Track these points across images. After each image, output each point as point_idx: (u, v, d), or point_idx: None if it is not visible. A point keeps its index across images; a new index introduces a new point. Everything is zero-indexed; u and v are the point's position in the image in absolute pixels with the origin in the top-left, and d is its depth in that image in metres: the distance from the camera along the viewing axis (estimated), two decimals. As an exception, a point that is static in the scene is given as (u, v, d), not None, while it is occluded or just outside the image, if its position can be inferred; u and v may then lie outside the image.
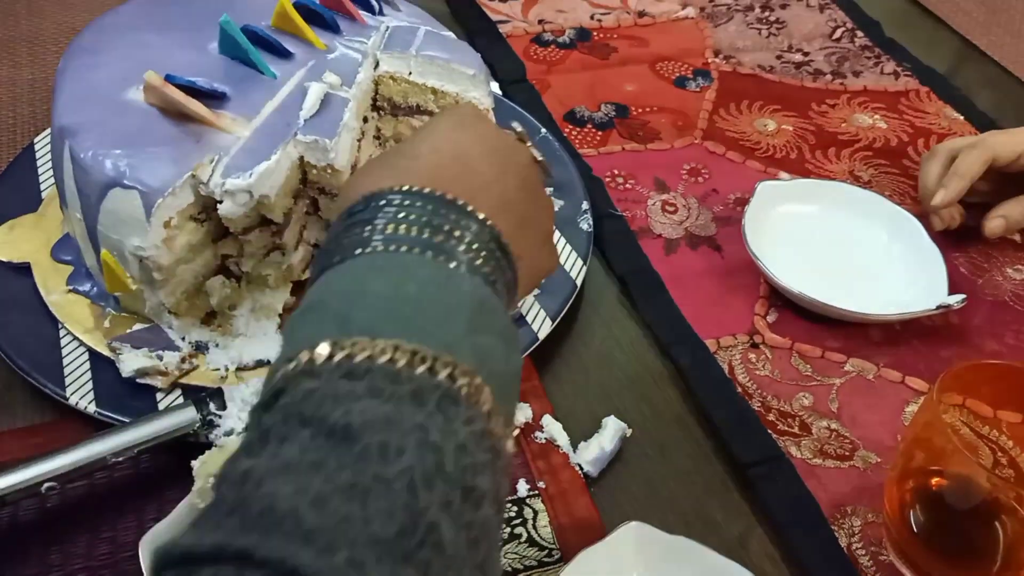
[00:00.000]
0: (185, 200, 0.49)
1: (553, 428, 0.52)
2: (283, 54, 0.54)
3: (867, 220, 0.65)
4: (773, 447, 0.52)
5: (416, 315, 0.29)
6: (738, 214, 0.67)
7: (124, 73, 0.52)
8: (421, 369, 0.27)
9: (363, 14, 0.59)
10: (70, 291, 0.55)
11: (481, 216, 0.32)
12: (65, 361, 0.52)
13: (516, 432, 0.52)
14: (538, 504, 0.49)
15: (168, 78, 0.50)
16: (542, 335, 0.55)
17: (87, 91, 0.52)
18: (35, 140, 0.66)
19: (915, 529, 0.47)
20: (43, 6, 0.84)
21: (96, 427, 0.48)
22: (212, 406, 0.48)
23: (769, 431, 0.53)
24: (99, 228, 0.50)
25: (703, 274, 0.63)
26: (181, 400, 0.50)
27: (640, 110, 0.77)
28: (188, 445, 0.47)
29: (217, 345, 0.53)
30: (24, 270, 0.57)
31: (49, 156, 0.64)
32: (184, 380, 0.51)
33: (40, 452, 0.45)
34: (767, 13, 0.89)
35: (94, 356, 0.53)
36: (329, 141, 0.50)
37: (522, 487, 0.50)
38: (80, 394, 0.50)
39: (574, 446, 0.52)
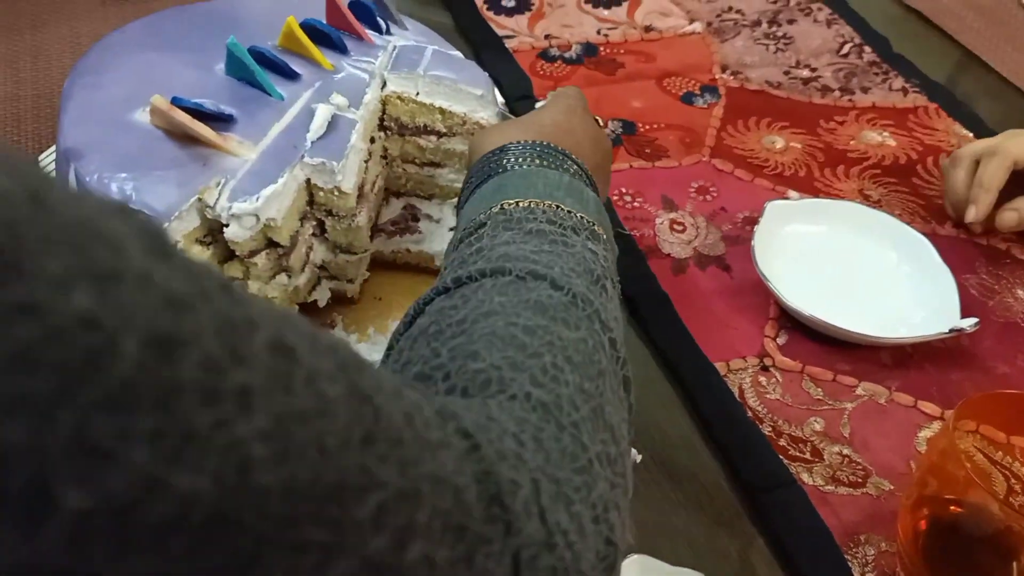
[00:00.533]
0: (191, 224, 0.48)
1: (562, 453, 0.52)
2: (290, 75, 0.54)
3: (877, 240, 0.64)
4: (785, 473, 0.51)
5: (561, 194, 0.42)
6: (747, 233, 0.67)
7: (129, 94, 0.52)
8: (575, 219, 0.41)
9: (370, 34, 0.59)
10: None
11: (578, 159, 0.46)
12: None
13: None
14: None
15: (174, 100, 0.49)
16: None
17: (92, 112, 0.51)
18: (40, 157, 0.66)
19: (929, 558, 0.46)
20: (46, 19, 0.84)
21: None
22: None
23: (780, 456, 0.52)
24: None
25: (712, 295, 0.62)
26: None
27: (647, 127, 0.77)
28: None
29: None
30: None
31: (54, 175, 0.63)
32: None
33: None
34: (774, 28, 0.89)
35: None
36: (336, 164, 0.50)
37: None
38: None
39: (583, 472, 0.51)
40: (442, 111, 0.57)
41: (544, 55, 0.84)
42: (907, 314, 0.60)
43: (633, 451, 0.51)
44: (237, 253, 0.50)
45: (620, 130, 0.76)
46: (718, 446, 0.53)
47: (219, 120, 0.50)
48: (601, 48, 0.86)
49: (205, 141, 0.49)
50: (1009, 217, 0.64)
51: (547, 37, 0.87)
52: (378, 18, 0.60)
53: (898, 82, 0.83)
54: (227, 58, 0.53)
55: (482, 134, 0.50)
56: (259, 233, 0.49)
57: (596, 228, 0.42)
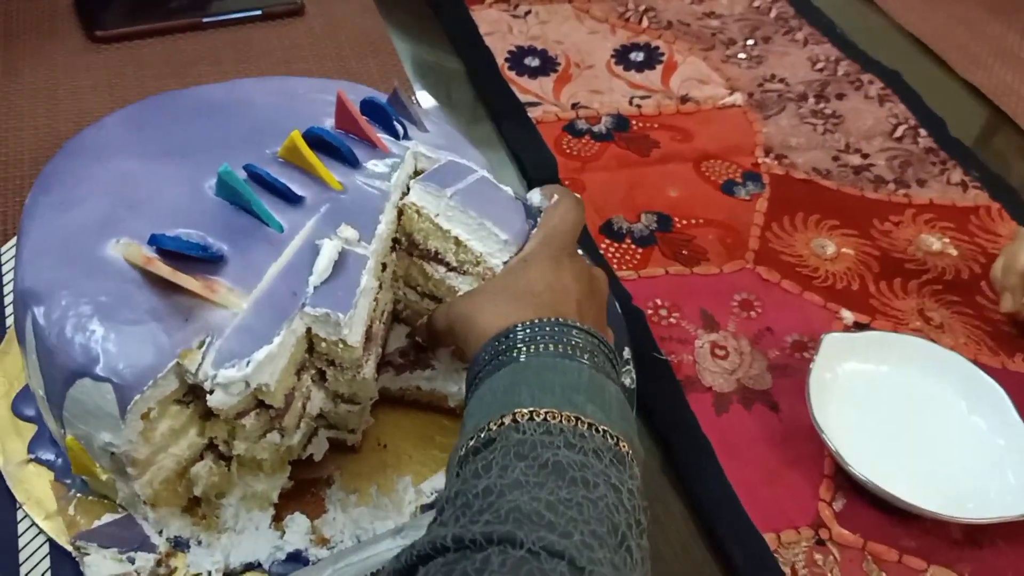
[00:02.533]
0: (168, 388, 0.41)
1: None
2: (291, 199, 0.46)
3: (944, 384, 0.57)
4: None
5: (581, 399, 0.38)
6: (796, 362, 0.60)
7: (103, 219, 0.44)
8: (597, 436, 0.36)
9: (385, 139, 0.51)
10: (31, 460, 0.48)
11: (586, 327, 0.42)
12: (22, 556, 0.45)
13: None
14: None
15: (153, 240, 0.42)
16: None
17: (57, 242, 0.44)
18: (2, 249, 0.58)
19: None
20: (20, 67, 0.76)
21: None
22: None
23: (840, 662, 0.46)
24: (65, 414, 0.42)
25: (759, 442, 0.55)
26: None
27: (684, 222, 0.69)
28: None
29: (200, 542, 0.45)
30: (-23, 424, 0.49)
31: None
32: None
33: None
34: (821, 104, 0.82)
35: (55, 549, 0.45)
36: (343, 316, 0.43)
37: None
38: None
39: None
40: (458, 242, 0.49)
41: (571, 128, 0.77)
42: (981, 482, 0.53)
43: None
44: (221, 417, 0.43)
45: (655, 226, 0.69)
46: (770, 648, 0.46)
47: (206, 261, 0.43)
48: (633, 121, 0.78)
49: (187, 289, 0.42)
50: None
51: (574, 106, 0.79)
52: (394, 121, 0.52)
53: (956, 174, 0.76)
54: (218, 183, 0.45)
55: (470, 304, 0.45)
56: (248, 396, 0.42)
57: (621, 446, 0.37)
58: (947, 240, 0.70)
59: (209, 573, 0.44)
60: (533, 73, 0.82)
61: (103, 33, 0.78)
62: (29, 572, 0.44)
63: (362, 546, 0.45)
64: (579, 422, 0.36)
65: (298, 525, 0.46)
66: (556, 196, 0.50)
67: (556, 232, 0.48)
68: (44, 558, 0.45)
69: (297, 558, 0.45)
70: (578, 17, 0.90)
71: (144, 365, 0.40)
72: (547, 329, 0.41)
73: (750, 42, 0.88)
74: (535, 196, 0.51)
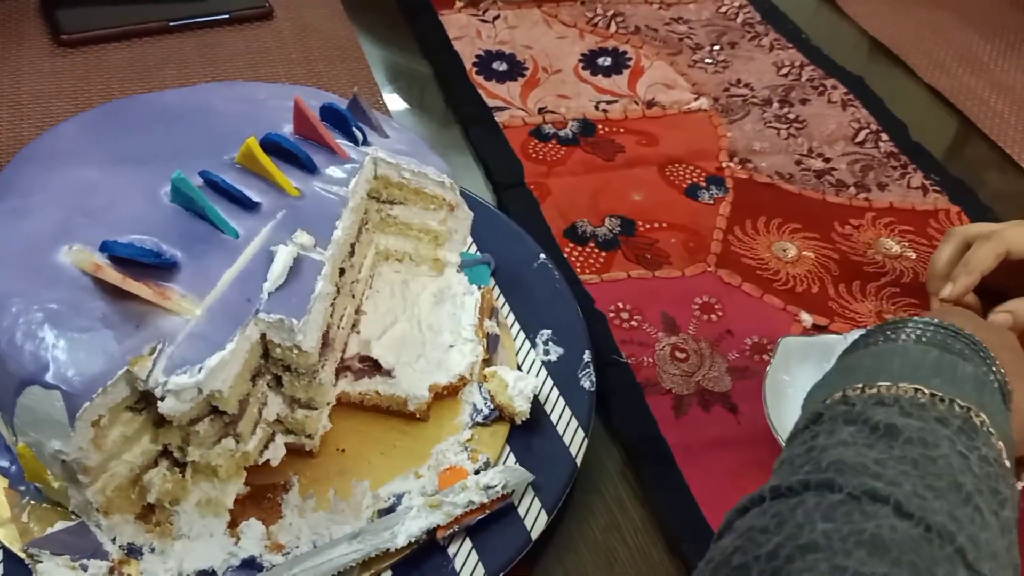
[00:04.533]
0: (119, 395, 0.41)
1: (546, 657, 0.45)
2: (248, 205, 0.46)
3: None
4: None
5: (925, 373, 0.35)
6: (755, 364, 0.61)
7: (58, 226, 0.44)
8: (941, 406, 0.33)
9: (344, 145, 0.52)
10: None
11: (968, 335, 0.39)
12: None
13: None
14: None
15: (104, 247, 0.42)
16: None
17: (11, 250, 0.43)
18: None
19: None
20: (-14, 70, 0.75)
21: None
22: None
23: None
24: (16, 422, 0.42)
25: (718, 445, 0.56)
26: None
27: (648, 226, 0.70)
28: None
29: (153, 549, 0.45)
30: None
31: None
32: None
33: None
34: (785, 109, 0.83)
35: (9, 556, 0.45)
36: (297, 322, 0.43)
37: None
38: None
39: None
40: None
41: (537, 133, 0.77)
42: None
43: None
44: (174, 424, 0.43)
45: (618, 229, 0.69)
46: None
47: (159, 268, 0.43)
48: (599, 126, 0.79)
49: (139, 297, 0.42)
50: (1002, 319, 0.59)
51: (541, 111, 0.79)
52: (353, 127, 0.52)
53: (917, 178, 0.77)
54: (172, 191, 0.45)
55: None
56: (202, 402, 0.42)
57: (972, 415, 0.34)
58: (906, 243, 0.71)
59: (162, 579, 0.44)
60: (501, 78, 0.83)
61: (68, 37, 0.78)
62: None
63: (318, 551, 0.45)
64: (918, 392, 0.34)
65: (253, 531, 0.46)
66: None
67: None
68: None
69: (252, 564, 0.45)
70: (547, 22, 0.90)
71: (94, 372, 0.40)
72: (930, 328, 0.39)
73: (716, 47, 0.89)
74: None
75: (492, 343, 0.57)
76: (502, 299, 0.61)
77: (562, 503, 0.50)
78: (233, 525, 0.46)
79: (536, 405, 0.54)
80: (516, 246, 0.64)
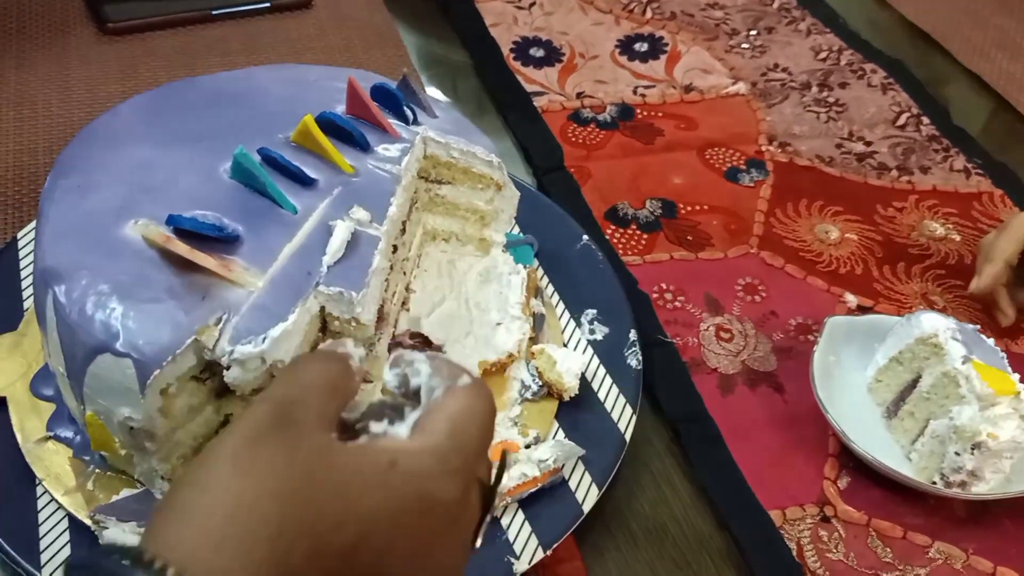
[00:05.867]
0: (186, 364, 0.42)
1: (600, 628, 0.46)
2: (305, 182, 0.47)
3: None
4: (851, 658, 0.45)
5: None
6: (800, 344, 0.61)
7: (120, 202, 0.45)
8: None
9: (395, 124, 0.52)
10: (50, 437, 0.49)
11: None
12: (42, 530, 0.46)
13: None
14: None
15: (170, 220, 0.43)
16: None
17: (76, 224, 0.44)
18: (19, 235, 0.59)
19: None
20: (33, 57, 0.77)
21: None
22: None
23: (845, 635, 0.46)
24: (85, 391, 0.43)
25: (764, 423, 0.56)
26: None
27: (689, 208, 0.70)
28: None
29: None
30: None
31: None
32: None
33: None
34: (824, 93, 0.82)
35: (74, 524, 0.46)
36: (355, 294, 0.43)
37: None
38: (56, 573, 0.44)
39: (624, 650, 0.45)
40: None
41: (576, 117, 0.78)
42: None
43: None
44: (237, 393, 0.44)
45: (660, 212, 0.70)
46: (776, 621, 0.47)
47: (222, 241, 0.44)
48: (637, 110, 0.79)
49: (206, 270, 0.42)
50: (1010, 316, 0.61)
51: (579, 96, 0.80)
52: (404, 107, 0.53)
53: (959, 161, 0.77)
54: (233, 166, 0.46)
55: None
56: (264, 372, 0.43)
57: None
58: (950, 226, 0.71)
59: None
60: (538, 64, 0.83)
61: (114, 25, 0.79)
62: (48, 546, 0.45)
63: None
64: None
65: None
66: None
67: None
68: (63, 532, 0.45)
69: None
70: (582, 8, 0.91)
71: (163, 341, 0.41)
72: None
73: (753, 32, 0.89)
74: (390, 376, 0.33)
75: (538, 322, 0.58)
76: (546, 280, 0.61)
77: (611, 478, 0.50)
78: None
79: (583, 383, 0.54)
80: (558, 228, 0.64)
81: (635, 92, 0.81)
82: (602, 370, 0.56)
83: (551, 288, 0.61)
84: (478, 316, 0.56)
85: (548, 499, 0.49)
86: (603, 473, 0.50)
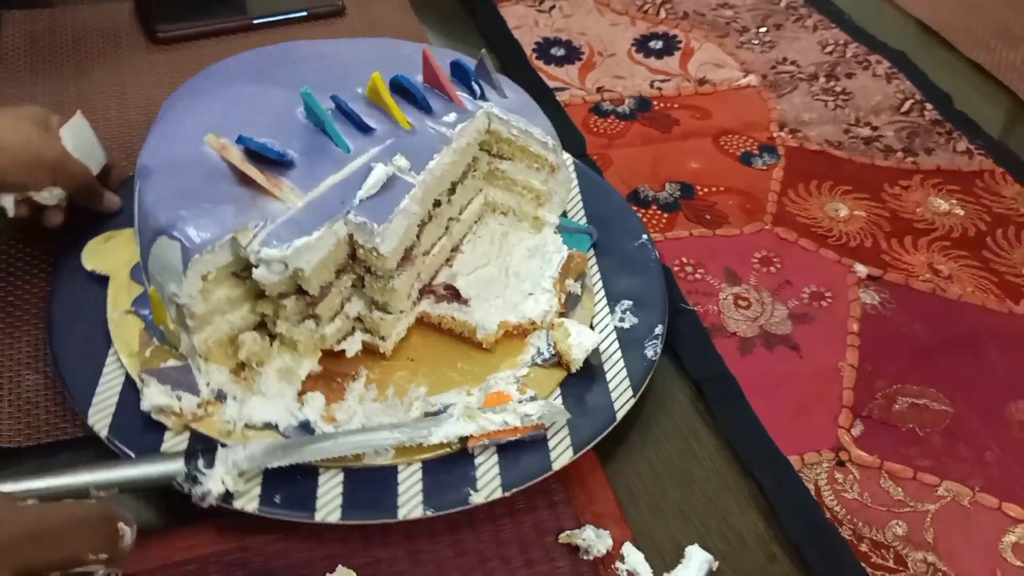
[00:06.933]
0: (224, 258, 0.49)
1: (635, 558, 0.49)
2: (364, 128, 0.54)
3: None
4: (869, 585, 0.49)
5: None
6: (814, 310, 0.65)
7: (214, 124, 0.53)
8: None
9: (463, 96, 0.58)
10: (131, 312, 0.56)
11: None
12: (101, 381, 0.53)
13: (595, 558, 0.49)
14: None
15: (240, 140, 0.50)
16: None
17: (174, 135, 0.54)
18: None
19: None
20: (91, 66, 0.82)
21: (106, 451, 0.50)
22: (201, 462, 0.47)
23: (863, 564, 0.50)
24: (149, 267, 0.50)
25: (781, 379, 0.60)
26: (187, 445, 0.50)
27: (706, 190, 0.75)
28: (173, 492, 0.48)
29: (235, 398, 0.52)
30: (104, 281, 0.58)
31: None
32: (193, 425, 0.51)
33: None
34: (832, 83, 0.87)
35: (128, 382, 0.53)
36: (378, 226, 0.49)
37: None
38: (100, 417, 0.51)
39: (657, 579, 0.49)
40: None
41: (596, 109, 0.82)
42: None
43: (709, 556, 0.49)
44: (267, 294, 0.50)
45: (678, 193, 0.74)
46: (798, 553, 0.51)
47: (280, 164, 0.51)
48: (655, 102, 0.83)
49: (257, 183, 0.49)
50: None
51: (599, 90, 0.84)
52: (473, 82, 0.58)
53: (962, 143, 0.81)
54: (305, 107, 0.53)
55: None
56: (288, 279, 0.49)
57: None
58: (954, 201, 0.75)
59: (234, 422, 0.51)
60: (559, 62, 0.88)
61: (164, 35, 0.85)
62: (106, 390, 0.53)
63: (363, 431, 0.51)
64: None
65: (316, 402, 0.53)
66: None
67: None
68: (118, 383, 0.53)
69: (307, 427, 0.52)
70: (599, 11, 0.96)
71: (208, 234, 0.48)
72: None
73: (762, 29, 0.94)
74: None
75: (572, 302, 0.60)
76: (596, 268, 0.63)
77: (640, 431, 0.54)
78: (302, 394, 0.53)
79: (596, 360, 0.56)
80: (622, 222, 0.66)
81: (652, 86, 0.85)
82: (619, 354, 0.57)
83: (598, 275, 0.63)
84: (514, 284, 0.60)
85: (525, 451, 0.52)
86: (583, 440, 0.52)
